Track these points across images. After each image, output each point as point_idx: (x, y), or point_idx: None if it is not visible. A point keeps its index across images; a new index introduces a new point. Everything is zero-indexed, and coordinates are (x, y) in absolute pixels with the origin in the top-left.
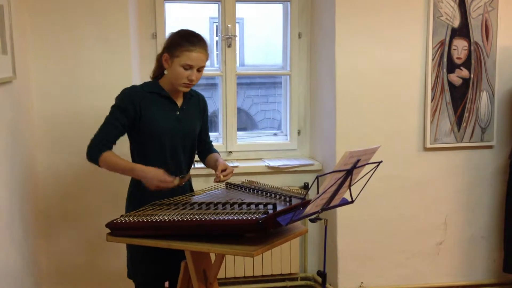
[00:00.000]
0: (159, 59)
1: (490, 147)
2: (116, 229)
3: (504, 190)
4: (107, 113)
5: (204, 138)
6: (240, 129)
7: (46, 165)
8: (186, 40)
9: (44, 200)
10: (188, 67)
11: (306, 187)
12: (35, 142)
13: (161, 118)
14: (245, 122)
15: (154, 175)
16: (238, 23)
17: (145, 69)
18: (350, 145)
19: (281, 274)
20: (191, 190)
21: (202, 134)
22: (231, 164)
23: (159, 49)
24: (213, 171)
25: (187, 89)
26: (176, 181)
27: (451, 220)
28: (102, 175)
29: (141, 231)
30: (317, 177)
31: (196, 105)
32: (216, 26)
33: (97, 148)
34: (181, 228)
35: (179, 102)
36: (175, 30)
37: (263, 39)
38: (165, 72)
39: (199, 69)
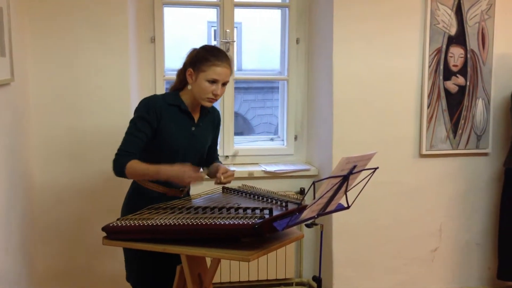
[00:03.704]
0: (180, 74)
1: (485, 154)
2: (112, 233)
3: (499, 197)
4: (104, 117)
5: (211, 152)
6: (236, 133)
7: (43, 169)
8: (213, 55)
9: (40, 204)
10: (214, 81)
11: (302, 192)
12: (32, 145)
13: (177, 134)
14: (242, 127)
15: (181, 172)
16: (236, 27)
17: (143, 73)
18: (346, 151)
19: (276, 279)
20: (189, 195)
21: (210, 149)
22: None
23: (158, 54)
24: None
25: (210, 104)
26: (203, 174)
27: (446, 226)
28: (99, 180)
29: (137, 235)
30: (313, 183)
31: (211, 121)
32: (214, 30)
33: (121, 160)
34: (177, 232)
35: (196, 117)
36: (198, 46)
37: (260, 43)
38: (189, 87)
39: (224, 84)
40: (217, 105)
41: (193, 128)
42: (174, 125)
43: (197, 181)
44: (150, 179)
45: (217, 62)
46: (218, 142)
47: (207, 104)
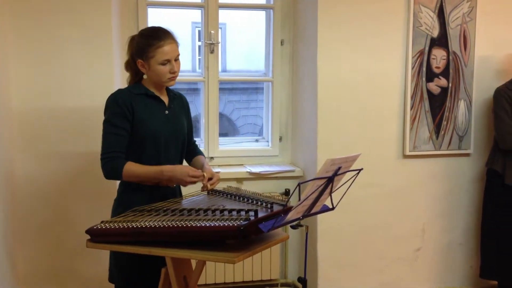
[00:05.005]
0: (131, 66)
1: (467, 155)
2: (96, 236)
3: (481, 197)
4: (89, 117)
5: (188, 138)
6: (221, 134)
7: (25, 169)
8: (153, 37)
9: (22, 204)
10: (166, 62)
11: (287, 193)
12: (14, 145)
13: (152, 119)
14: (227, 128)
15: (183, 172)
16: (221, 28)
17: (127, 73)
18: (331, 152)
19: (261, 280)
20: (181, 194)
21: (187, 135)
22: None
23: None
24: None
25: (173, 82)
26: (205, 174)
27: (429, 226)
28: (82, 180)
29: (121, 238)
30: (299, 184)
31: (180, 105)
32: (199, 31)
33: (114, 163)
34: (162, 234)
35: (166, 101)
36: (135, 32)
37: (245, 44)
38: (144, 76)
39: (176, 59)
40: (201, 105)
41: (167, 112)
42: (147, 112)
43: (198, 181)
44: (151, 180)
45: (160, 43)
46: (203, 143)
47: (171, 83)
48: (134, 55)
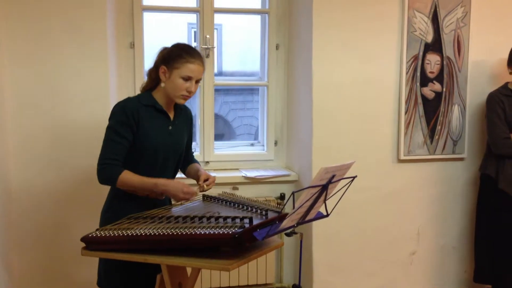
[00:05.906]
0: (151, 73)
1: (461, 159)
2: (91, 243)
3: (475, 202)
4: (83, 123)
5: (186, 149)
6: (217, 136)
7: (20, 176)
8: (185, 52)
9: (17, 211)
10: (188, 78)
11: (282, 197)
12: (9, 149)
13: (155, 133)
14: (223, 129)
15: (177, 188)
16: (216, 29)
17: (123, 79)
18: (326, 156)
19: (257, 285)
20: (170, 202)
21: (185, 146)
22: None
23: (137, 59)
24: (194, 181)
25: (184, 101)
26: (197, 191)
27: (423, 230)
28: (77, 187)
29: (117, 245)
30: (293, 193)
31: (184, 120)
32: (194, 32)
33: (112, 170)
34: (157, 242)
35: (171, 115)
36: (168, 44)
37: (241, 45)
38: (162, 85)
39: (197, 81)
40: (195, 108)
41: (170, 127)
42: (152, 126)
43: (191, 198)
44: (143, 192)
45: (190, 59)
46: (198, 147)
47: (181, 101)
48: (159, 62)
